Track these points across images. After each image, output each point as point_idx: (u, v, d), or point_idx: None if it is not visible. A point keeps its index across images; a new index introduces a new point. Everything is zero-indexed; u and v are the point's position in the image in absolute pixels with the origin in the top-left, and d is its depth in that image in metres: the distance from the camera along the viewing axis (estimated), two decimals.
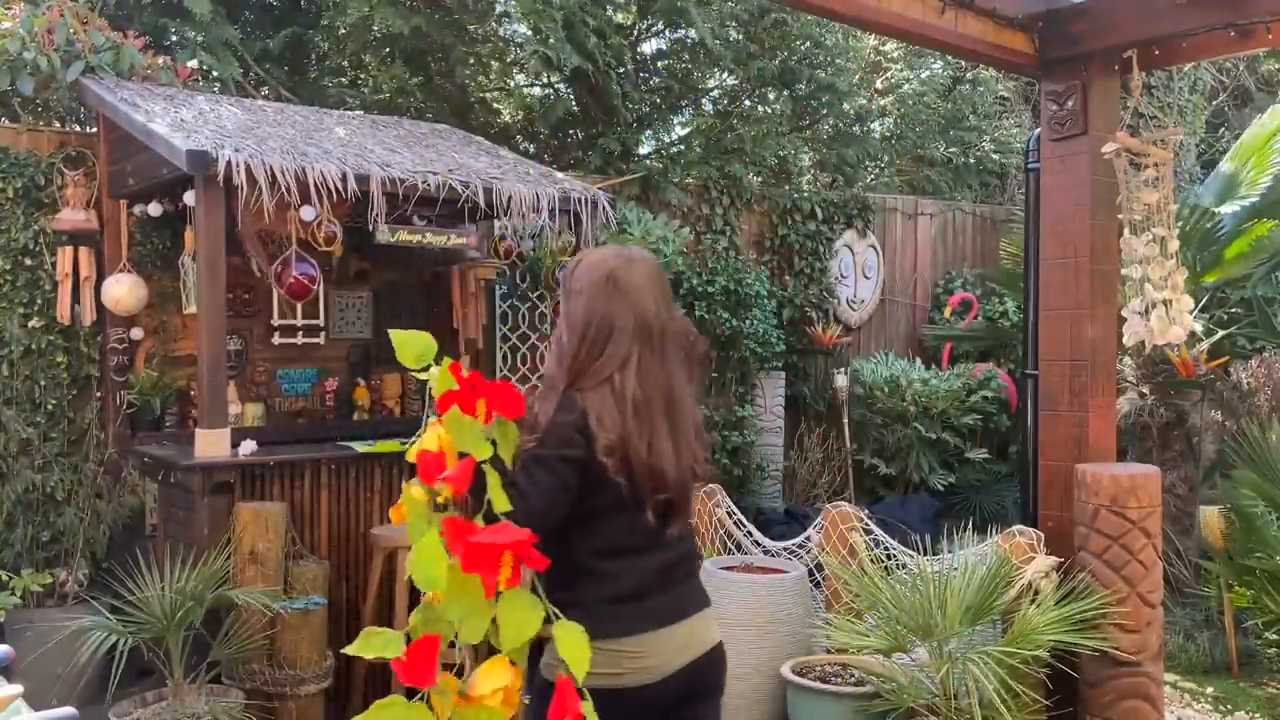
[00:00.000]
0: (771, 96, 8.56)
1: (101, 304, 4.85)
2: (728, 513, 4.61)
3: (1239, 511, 4.88)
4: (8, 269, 4.85)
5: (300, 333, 5.25)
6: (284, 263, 4.21)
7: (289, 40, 7.36)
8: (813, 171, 9.21)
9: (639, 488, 2.06)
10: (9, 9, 4.96)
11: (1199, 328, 5.68)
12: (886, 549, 4.11)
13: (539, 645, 2.08)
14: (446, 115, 7.51)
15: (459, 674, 1.94)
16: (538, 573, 1.98)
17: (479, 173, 4.77)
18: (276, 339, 5.23)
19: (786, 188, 8.14)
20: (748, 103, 8.67)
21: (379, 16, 6.74)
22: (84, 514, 4.68)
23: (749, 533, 4.55)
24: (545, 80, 8.41)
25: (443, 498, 1.92)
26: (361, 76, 8.41)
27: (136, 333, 4.97)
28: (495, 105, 8.83)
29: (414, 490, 1.92)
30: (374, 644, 1.89)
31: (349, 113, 6.10)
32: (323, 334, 5.37)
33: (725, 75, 8.86)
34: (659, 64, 8.66)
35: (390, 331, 2.06)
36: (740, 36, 8.07)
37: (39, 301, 4.90)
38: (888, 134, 9.80)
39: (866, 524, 4.22)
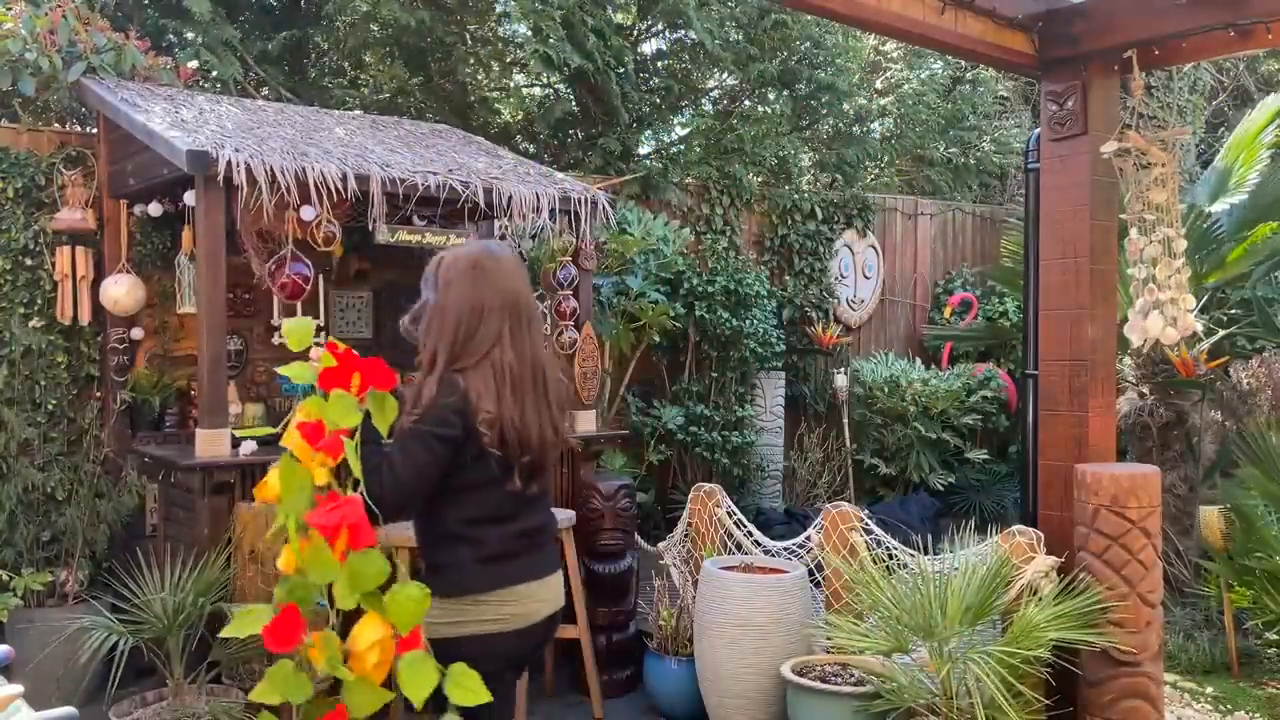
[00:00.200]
0: (771, 97, 8.57)
1: (101, 304, 4.85)
2: (728, 513, 4.61)
3: (1239, 511, 4.88)
4: (8, 269, 4.86)
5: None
6: (278, 262, 4.21)
7: (289, 40, 7.37)
8: (813, 171, 9.21)
9: (510, 454, 2.34)
10: (10, 9, 4.96)
11: (1199, 327, 5.68)
12: (887, 549, 4.11)
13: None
14: (446, 115, 7.52)
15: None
16: (418, 538, 2.40)
17: (479, 173, 4.77)
18: (277, 339, 5.22)
19: (786, 188, 8.14)
20: (748, 103, 8.67)
21: (384, 10, 6.74)
22: (84, 514, 4.68)
23: (749, 533, 4.55)
24: (545, 80, 8.42)
25: (322, 479, 2.17)
26: (361, 76, 8.41)
27: (137, 333, 4.97)
28: (495, 105, 8.83)
29: (273, 475, 2.16)
30: (246, 623, 2.13)
31: (349, 113, 6.11)
32: (323, 334, 5.38)
33: (725, 75, 8.86)
34: (659, 64, 8.66)
35: (283, 322, 2.33)
36: (740, 37, 8.07)
37: (39, 301, 4.91)
38: (888, 134, 9.80)
39: (867, 524, 4.21)
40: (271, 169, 3.96)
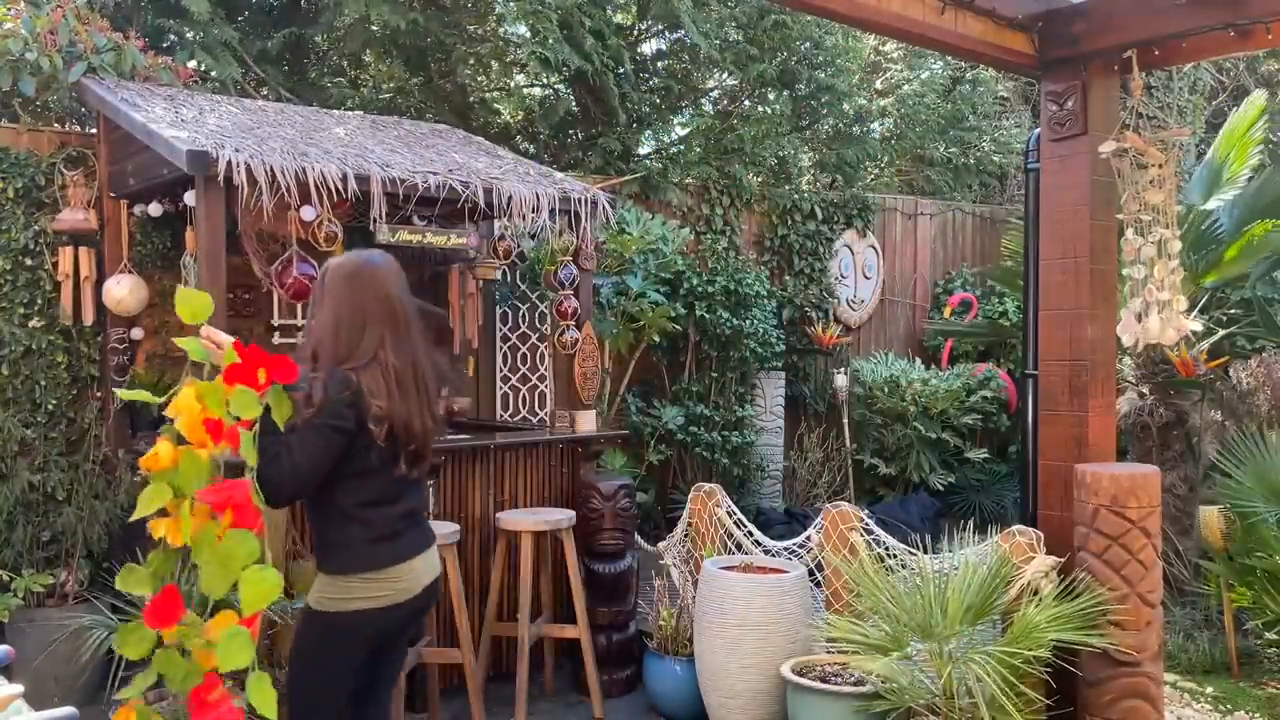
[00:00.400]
0: (771, 97, 8.57)
1: (102, 304, 4.85)
2: (728, 512, 4.61)
3: (1239, 511, 4.88)
4: (8, 269, 4.86)
5: (301, 333, 5.25)
6: (285, 263, 4.21)
7: (288, 40, 7.37)
8: (813, 171, 9.22)
9: (397, 444, 2.58)
10: (11, 10, 4.96)
11: (1199, 327, 5.68)
12: (887, 549, 4.11)
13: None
14: (446, 115, 7.52)
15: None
16: (311, 520, 2.62)
17: (479, 173, 4.77)
18: (277, 339, 5.23)
19: (786, 188, 8.14)
20: (747, 103, 8.67)
21: (375, 14, 6.74)
22: (84, 514, 4.68)
23: (749, 533, 4.55)
24: (545, 81, 8.42)
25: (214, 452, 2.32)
26: (361, 76, 8.41)
27: (137, 333, 4.97)
28: (495, 105, 8.83)
29: (163, 445, 2.28)
30: (130, 580, 2.29)
31: (349, 113, 6.11)
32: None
33: (725, 76, 8.87)
34: (659, 64, 8.66)
35: (178, 289, 2.40)
36: (740, 38, 8.07)
37: (39, 301, 4.91)
38: (887, 134, 9.81)
39: (866, 524, 4.21)
40: (271, 169, 3.97)
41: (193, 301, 2.34)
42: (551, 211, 4.78)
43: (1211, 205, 5.78)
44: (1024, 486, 5.19)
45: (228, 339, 2.40)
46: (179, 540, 2.25)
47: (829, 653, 4.03)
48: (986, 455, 8.01)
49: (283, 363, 2.39)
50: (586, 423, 5.09)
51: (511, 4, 7.02)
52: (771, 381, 7.49)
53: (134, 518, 2.24)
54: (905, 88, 10.13)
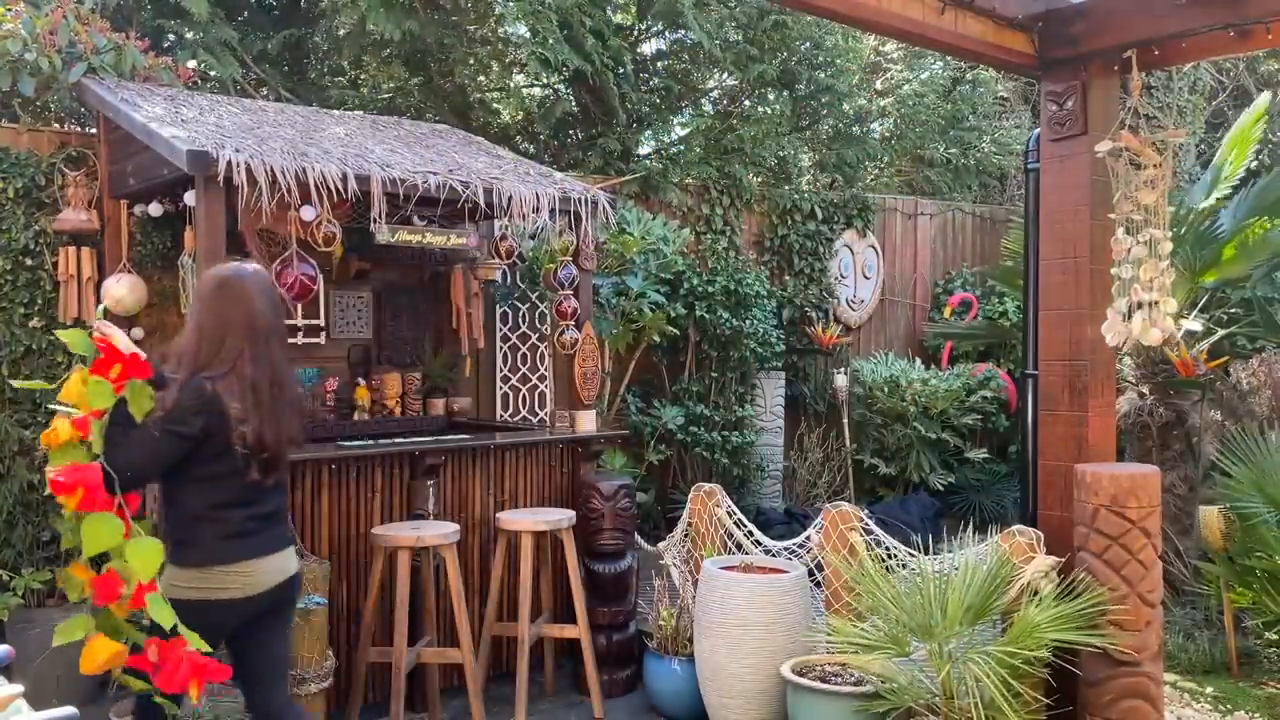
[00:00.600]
0: (771, 97, 8.57)
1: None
2: (728, 512, 4.61)
3: (1238, 511, 4.88)
4: (8, 269, 4.86)
5: (300, 333, 5.25)
6: (284, 263, 4.21)
7: (288, 41, 7.37)
8: (813, 171, 9.22)
9: (252, 451, 2.75)
10: (11, 10, 4.96)
11: (1198, 327, 5.69)
12: (887, 549, 4.11)
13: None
14: (446, 115, 7.52)
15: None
16: (164, 515, 2.83)
17: (479, 173, 4.77)
18: None
19: (786, 188, 8.14)
20: (747, 103, 8.67)
21: (372, 20, 6.75)
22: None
23: (749, 533, 4.56)
24: (545, 81, 8.42)
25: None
26: (361, 77, 8.41)
27: (137, 332, 4.96)
28: (495, 106, 8.83)
29: (61, 423, 2.58)
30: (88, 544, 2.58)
31: (349, 113, 6.11)
32: (323, 334, 5.38)
33: (725, 76, 8.87)
34: (659, 64, 8.66)
35: (57, 333, 2.72)
36: (740, 38, 8.07)
37: (39, 301, 4.91)
38: (887, 134, 9.81)
39: (866, 524, 4.22)
40: (271, 169, 3.97)
41: (73, 338, 2.69)
42: (551, 211, 4.78)
43: (1208, 203, 5.79)
44: (1024, 486, 5.19)
45: (118, 333, 2.66)
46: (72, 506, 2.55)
47: (829, 653, 4.03)
48: (986, 455, 8.02)
49: (136, 361, 2.66)
50: (586, 423, 5.09)
51: (511, 4, 7.01)
52: (771, 381, 7.49)
53: (49, 491, 2.54)
54: (905, 88, 10.13)
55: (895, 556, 4.06)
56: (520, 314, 6.14)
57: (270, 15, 7.81)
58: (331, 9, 7.07)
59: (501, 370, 6.11)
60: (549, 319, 5.92)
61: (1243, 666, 4.96)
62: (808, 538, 4.36)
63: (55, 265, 4.90)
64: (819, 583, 4.31)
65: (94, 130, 5.18)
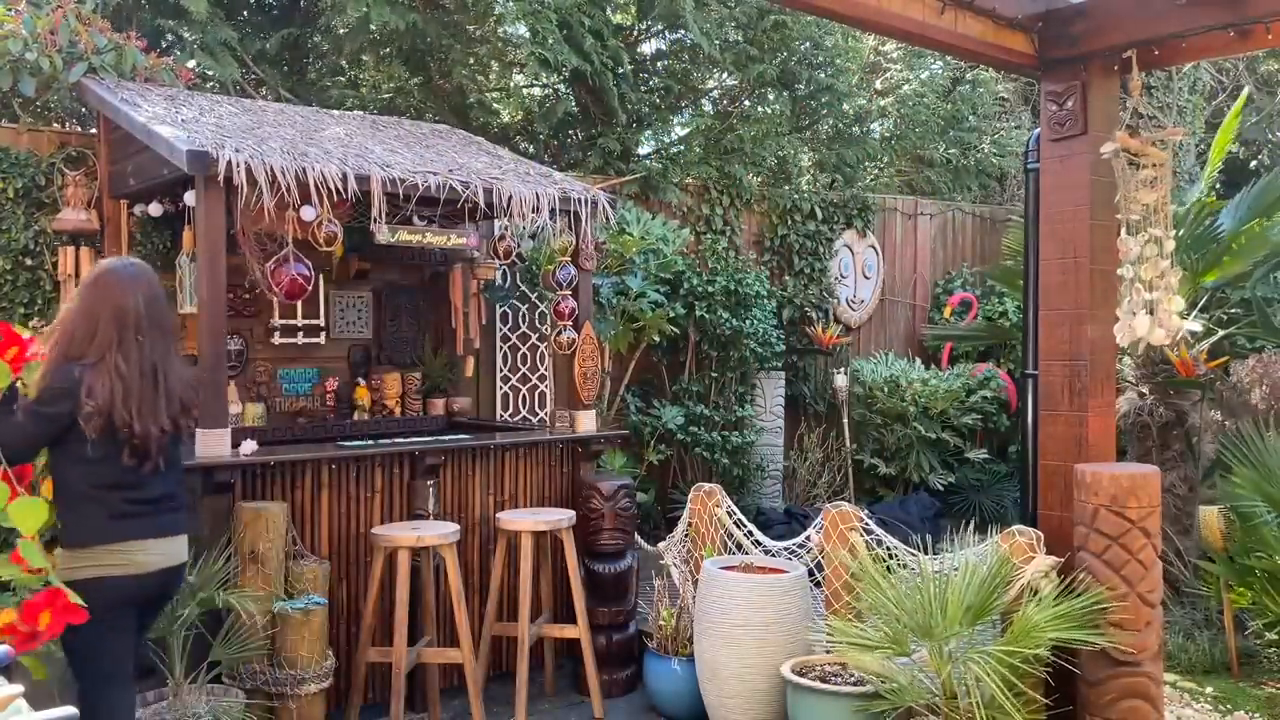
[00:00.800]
0: (771, 97, 8.57)
1: None
2: (728, 512, 4.61)
3: (1239, 511, 4.88)
4: (8, 269, 4.86)
5: (301, 333, 5.25)
6: (279, 262, 4.21)
7: (287, 40, 7.37)
8: (813, 171, 9.22)
9: (121, 441, 2.85)
10: (11, 10, 4.96)
11: (1198, 327, 5.68)
12: (887, 549, 4.11)
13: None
14: (446, 115, 7.52)
15: None
16: (55, 498, 2.90)
17: (479, 173, 4.77)
18: (277, 339, 5.23)
19: (786, 188, 8.14)
20: (747, 103, 8.68)
21: (375, 14, 6.75)
22: None
23: (749, 533, 4.55)
24: (544, 81, 8.42)
25: None
26: (361, 76, 8.41)
27: None
28: (495, 106, 8.83)
29: None
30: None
31: (349, 113, 6.11)
32: (323, 334, 5.37)
33: (725, 76, 8.87)
34: (658, 64, 8.66)
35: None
36: (740, 38, 8.07)
37: (39, 301, 4.91)
38: (887, 134, 9.81)
39: (866, 524, 4.21)
40: (271, 169, 3.97)
41: None
42: (551, 211, 4.78)
43: (1199, 190, 5.85)
44: (1024, 486, 5.19)
45: None
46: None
47: (829, 652, 4.03)
48: (986, 455, 8.02)
49: (35, 344, 2.89)
50: (586, 423, 5.09)
51: (511, 4, 7.02)
52: (771, 381, 7.49)
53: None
54: (905, 88, 10.13)
55: (895, 556, 4.06)
56: (520, 314, 6.14)
57: (269, 15, 7.81)
58: (332, 7, 7.07)
59: (501, 370, 6.11)
60: (549, 319, 5.93)
61: (1243, 666, 4.96)
62: (808, 538, 4.36)
63: (55, 265, 4.90)
64: (819, 583, 4.30)
65: (94, 130, 5.18)
